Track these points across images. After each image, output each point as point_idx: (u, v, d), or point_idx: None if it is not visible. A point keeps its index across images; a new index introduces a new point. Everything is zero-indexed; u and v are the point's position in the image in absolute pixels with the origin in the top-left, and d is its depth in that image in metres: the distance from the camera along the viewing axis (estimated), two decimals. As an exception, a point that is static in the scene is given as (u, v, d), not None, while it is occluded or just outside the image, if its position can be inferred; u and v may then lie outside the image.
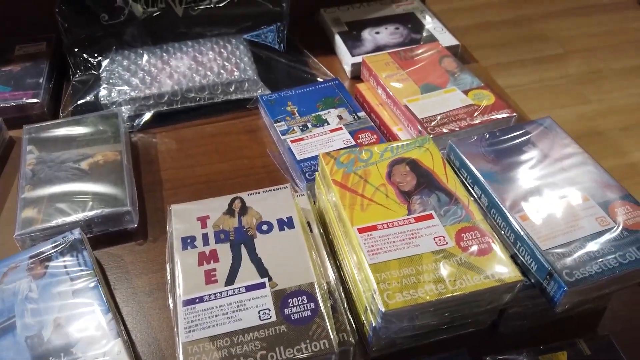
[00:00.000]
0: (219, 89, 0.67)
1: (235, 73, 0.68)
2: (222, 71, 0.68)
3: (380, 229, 0.41)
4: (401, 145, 0.48)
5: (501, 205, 0.43)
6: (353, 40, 0.75)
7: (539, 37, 2.24)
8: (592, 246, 0.39)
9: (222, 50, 0.71)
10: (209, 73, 0.68)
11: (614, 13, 2.36)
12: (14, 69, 0.70)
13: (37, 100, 0.65)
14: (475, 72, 0.67)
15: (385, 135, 0.61)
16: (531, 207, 0.42)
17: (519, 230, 0.41)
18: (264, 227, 0.46)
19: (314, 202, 0.51)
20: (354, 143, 0.57)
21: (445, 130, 0.55)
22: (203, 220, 0.46)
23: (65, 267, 0.46)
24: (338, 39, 0.75)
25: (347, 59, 0.72)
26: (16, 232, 0.50)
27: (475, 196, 0.46)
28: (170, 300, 0.42)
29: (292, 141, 0.58)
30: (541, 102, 1.92)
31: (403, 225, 0.41)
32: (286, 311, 0.40)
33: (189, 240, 0.45)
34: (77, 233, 0.49)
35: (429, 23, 0.78)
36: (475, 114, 0.57)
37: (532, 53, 2.15)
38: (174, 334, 0.39)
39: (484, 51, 2.15)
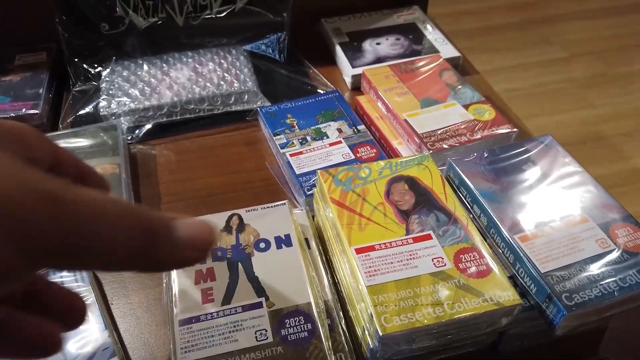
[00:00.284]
0: (219, 101, 0.67)
1: (235, 84, 0.68)
2: (221, 82, 0.68)
3: (378, 249, 0.41)
4: (400, 162, 0.48)
5: (500, 226, 0.42)
6: (354, 51, 0.75)
7: (543, 41, 2.23)
8: (592, 269, 0.39)
9: (222, 61, 0.71)
10: (208, 84, 0.67)
11: (619, 17, 2.35)
12: (14, 79, 0.70)
13: (37, 111, 0.65)
14: (477, 83, 0.67)
15: (385, 149, 0.61)
16: (531, 228, 0.42)
17: (519, 251, 0.41)
18: (262, 245, 0.45)
19: (313, 217, 0.51)
20: (353, 157, 0.57)
21: (445, 146, 0.54)
22: (200, 238, 0.46)
23: (62, 283, 0.46)
24: (339, 50, 0.75)
25: (347, 70, 0.72)
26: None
27: (475, 215, 0.45)
28: (167, 319, 0.42)
29: (291, 155, 0.58)
30: (545, 106, 1.92)
31: (401, 245, 0.41)
32: (283, 332, 0.40)
33: (186, 258, 0.44)
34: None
35: (430, 34, 0.78)
36: (476, 129, 0.56)
37: (536, 57, 2.14)
38: (170, 354, 0.39)
39: (488, 54, 2.14)
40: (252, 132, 0.67)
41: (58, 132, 0.63)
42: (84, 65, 0.71)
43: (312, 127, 0.61)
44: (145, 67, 0.70)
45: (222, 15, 0.73)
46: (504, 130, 0.56)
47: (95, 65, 0.71)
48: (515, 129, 0.56)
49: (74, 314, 0.30)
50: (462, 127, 0.57)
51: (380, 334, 0.36)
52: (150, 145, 0.65)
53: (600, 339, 0.45)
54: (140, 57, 0.72)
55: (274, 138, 0.60)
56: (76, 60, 0.71)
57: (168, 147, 0.65)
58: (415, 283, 0.39)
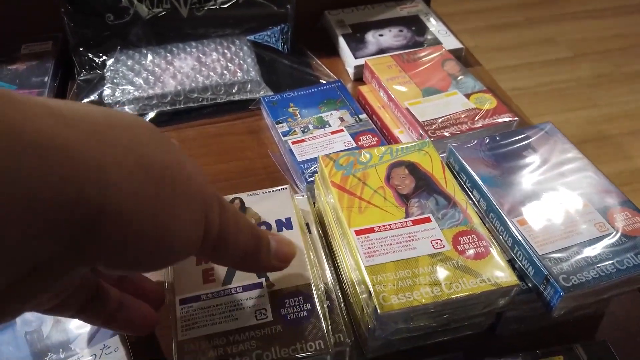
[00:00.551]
0: (222, 90, 0.68)
1: (239, 74, 0.68)
2: (225, 72, 0.68)
3: (377, 231, 0.41)
4: (401, 148, 0.48)
5: (499, 210, 0.43)
6: (356, 43, 0.75)
7: (549, 40, 2.23)
8: (590, 252, 0.39)
9: (226, 51, 0.72)
10: (212, 74, 0.68)
11: (624, 16, 2.35)
12: (20, 68, 0.71)
13: (42, 99, 0.66)
14: (479, 75, 0.67)
15: (387, 137, 0.61)
16: (530, 212, 0.42)
17: (517, 234, 0.41)
18: (263, 228, 0.46)
19: (314, 203, 0.51)
20: (354, 145, 0.57)
21: (446, 134, 0.55)
22: (202, 220, 0.46)
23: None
24: (342, 41, 0.76)
25: (350, 61, 0.73)
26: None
27: (474, 200, 0.46)
28: (168, 298, 0.43)
29: (293, 142, 0.58)
30: (549, 106, 1.92)
31: (400, 228, 0.41)
32: (282, 311, 0.40)
33: (187, 240, 0.45)
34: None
35: (433, 26, 0.78)
36: (477, 118, 0.57)
37: (541, 56, 2.14)
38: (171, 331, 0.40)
39: (493, 53, 2.14)
40: (255, 121, 0.67)
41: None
42: (89, 55, 0.72)
43: (314, 116, 0.62)
44: (150, 56, 0.71)
45: (226, 6, 0.74)
46: (504, 118, 0.56)
47: (100, 55, 0.72)
48: (516, 118, 0.56)
49: (157, 298, 0.40)
50: (463, 115, 0.57)
51: (379, 312, 0.36)
52: (154, 133, 0.66)
53: (597, 323, 0.45)
54: (144, 47, 0.73)
55: (276, 126, 0.61)
56: (81, 49, 0.72)
57: (171, 135, 0.65)
58: (414, 264, 0.39)
